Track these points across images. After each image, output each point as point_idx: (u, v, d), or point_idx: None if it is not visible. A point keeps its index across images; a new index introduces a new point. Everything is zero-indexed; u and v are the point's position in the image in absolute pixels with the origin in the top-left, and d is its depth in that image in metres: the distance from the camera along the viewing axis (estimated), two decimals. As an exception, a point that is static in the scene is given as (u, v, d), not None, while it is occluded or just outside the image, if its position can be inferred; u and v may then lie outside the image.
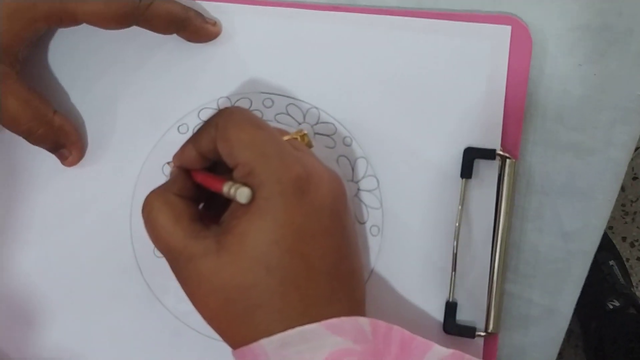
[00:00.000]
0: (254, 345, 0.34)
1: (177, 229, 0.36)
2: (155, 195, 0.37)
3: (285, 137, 0.39)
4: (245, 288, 0.34)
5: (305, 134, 0.40)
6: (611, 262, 1.19)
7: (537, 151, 0.45)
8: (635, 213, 1.31)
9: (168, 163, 0.39)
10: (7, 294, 0.45)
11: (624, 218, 1.32)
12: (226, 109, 0.37)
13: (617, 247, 1.31)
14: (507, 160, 0.43)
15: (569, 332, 1.26)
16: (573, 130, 0.44)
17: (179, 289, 0.44)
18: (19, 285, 0.45)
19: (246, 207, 0.35)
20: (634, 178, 1.30)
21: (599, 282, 1.17)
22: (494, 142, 0.44)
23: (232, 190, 0.35)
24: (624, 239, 1.31)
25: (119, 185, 0.46)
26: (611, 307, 1.14)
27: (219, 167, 0.38)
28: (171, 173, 0.39)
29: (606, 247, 1.21)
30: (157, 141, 0.46)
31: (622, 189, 1.29)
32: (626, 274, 1.20)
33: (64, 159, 0.45)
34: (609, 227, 1.31)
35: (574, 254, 0.44)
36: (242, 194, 0.34)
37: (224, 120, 0.36)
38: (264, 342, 0.34)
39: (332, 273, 0.36)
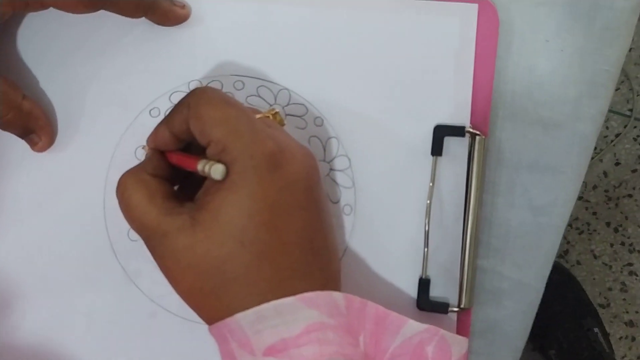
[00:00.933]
0: (229, 320, 0.34)
1: (150, 206, 0.36)
2: (129, 174, 0.38)
3: (258, 116, 0.39)
4: (219, 262, 0.35)
5: (277, 112, 0.40)
6: (596, 330, 1.19)
7: (506, 127, 0.45)
8: (618, 198, 1.32)
9: (143, 147, 0.40)
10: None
11: (607, 203, 1.33)
12: (198, 88, 0.37)
13: (601, 232, 1.32)
14: (477, 137, 0.44)
15: None
16: (541, 106, 0.45)
17: (154, 272, 0.44)
18: (-7, 271, 0.45)
19: (220, 183, 0.35)
20: (617, 164, 1.31)
21: (586, 349, 1.17)
22: (463, 119, 0.44)
23: (206, 168, 0.35)
24: (607, 224, 1.32)
25: (92, 169, 0.45)
26: None
27: (193, 149, 0.39)
28: (146, 155, 0.39)
29: (591, 313, 1.22)
30: (129, 125, 0.46)
31: (605, 174, 1.30)
32: (608, 341, 1.20)
33: (33, 145, 0.45)
34: (593, 213, 1.32)
35: (544, 227, 0.45)
36: (216, 171, 0.34)
37: (196, 99, 0.36)
38: (239, 316, 0.34)
39: (306, 247, 0.36)
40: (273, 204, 0.35)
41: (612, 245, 1.33)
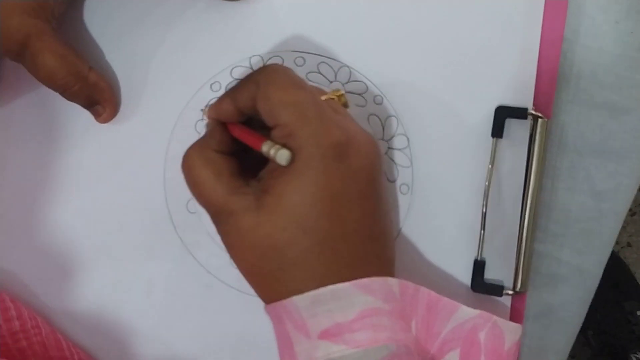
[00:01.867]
0: (286, 302, 0.35)
1: (218, 185, 0.37)
2: (195, 151, 0.38)
3: (323, 97, 0.39)
4: (280, 246, 0.35)
5: (342, 94, 0.40)
6: (639, 313, 1.16)
7: (570, 110, 0.44)
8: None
9: (202, 110, 0.40)
10: (44, 245, 0.46)
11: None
12: (268, 66, 0.37)
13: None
14: (539, 120, 0.43)
15: None
16: (608, 90, 0.44)
17: (211, 244, 0.45)
18: (56, 237, 0.46)
19: (285, 168, 0.35)
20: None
21: (624, 332, 1.15)
22: (526, 100, 0.43)
23: (272, 151, 0.35)
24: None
25: (153, 142, 0.46)
26: (635, 359, 1.13)
27: (253, 122, 0.39)
28: (207, 125, 0.40)
29: (635, 295, 1.19)
30: (190, 98, 0.46)
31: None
32: None
33: (98, 116, 0.45)
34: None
35: (605, 213, 0.44)
36: (282, 156, 0.35)
37: (266, 78, 0.36)
38: (296, 299, 0.35)
39: (366, 235, 0.36)
40: (336, 194, 0.35)
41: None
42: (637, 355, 1.13)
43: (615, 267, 1.22)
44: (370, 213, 0.37)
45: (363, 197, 0.36)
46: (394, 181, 0.45)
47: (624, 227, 1.28)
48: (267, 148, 0.35)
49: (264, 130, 0.37)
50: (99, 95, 0.45)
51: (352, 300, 0.35)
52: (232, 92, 0.38)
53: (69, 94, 0.43)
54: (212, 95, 0.46)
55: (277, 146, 0.35)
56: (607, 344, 1.16)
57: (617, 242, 1.29)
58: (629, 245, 1.29)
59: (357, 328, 0.34)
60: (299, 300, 0.35)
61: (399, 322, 0.36)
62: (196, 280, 0.46)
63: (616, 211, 0.44)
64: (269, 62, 0.45)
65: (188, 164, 0.38)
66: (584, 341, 1.23)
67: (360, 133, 0.37)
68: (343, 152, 0.35)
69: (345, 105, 0.40)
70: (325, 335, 0.34)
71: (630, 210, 1.27)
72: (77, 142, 0.47)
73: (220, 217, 0.37)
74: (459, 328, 0.39)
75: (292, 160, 0.35)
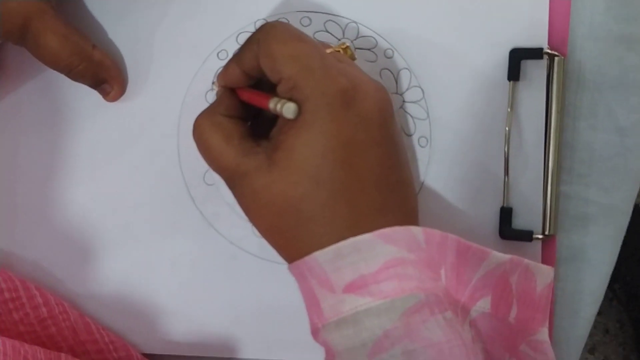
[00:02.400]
0: (308, 259, 0.34)
1: (228, 148, 0.36)
2: (204, 117, 0.38)
3: (328, 50, 0.39)
4: (296, 201, 0.34)
5: (347, 47, 0.40)
6: None
7: (586, 46, 0.43)
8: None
9: (213, 83, 0.39)
10: (65, 230, 0.46)
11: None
12: (267, 23, 0.37)
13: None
14: (556, 59, 0.42)
15: (618, 331, 1.24)
16: (624, 22, 0.43)
17: (231, 215, 0.44)
18: (75, 221, 0.46)
19: (293, 122, 0.35)
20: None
21: None
22: (540, 40, 0.42)
23: (278, 106, 0.35)
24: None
25: (164, 116, 0.46)
26: None
27: (264, 85, 0.38)
28: (217, 93, 0.39)
29: None
30: (198, 69, 0.45)
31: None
32: None
33: (105, 94, 0.45)
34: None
35: (631, 148, 0.43)
36: (288, 109, 0.34)
37: (266, 35, 0.36)
38: (317, 254, 0.34)
39: (382, 183, 0.36)
40: (347, 142, 0.34)
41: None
42: None
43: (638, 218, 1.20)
44: (385, 160, 0.36)
45: (376, 143, 0.36)
46: (411, 135, 0.44)
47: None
48: (274, 104, 0.35)
49: (274, 91, 0.36)
50: (105, 74, 0.44)
51: (375, 251, 0.34)
52: (236, 56, 0.38)
53: (75, 74, 0.43)
54: (219, 64, 0.45)
55: (283, 100, 0.34)
56: (634, 296, 1.15)
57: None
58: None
59: (382, 279, 0.34)
60: (320, 255, 0.34)
61: (426, 270, 0.35)
62: (220, 252, 0.45)
63: (641, 145, 0.43)
64: (275, 25, 0.44)
65: (198, 131, 0.38)
66: (611, 295, 1.22)
67: (367, 80, 0.37)
68: (350, 99, 0.34)
69: (352, 57, 0.40)
70: (350, 288, 0.34)
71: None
72: (87, 123, 0.46)
73: (234, 180, 0.37)
74: (490, 274, 0.38)
75: (299, 112, 0.34)
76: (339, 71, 0.35)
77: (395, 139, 0.37)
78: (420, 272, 0.35)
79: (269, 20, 0.45)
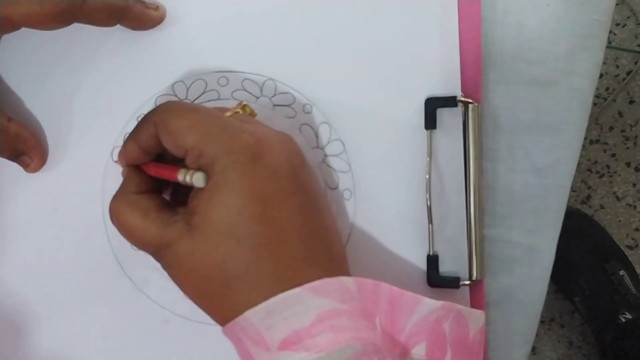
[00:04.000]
0: (239, 319, 0.34)
1: (147, 224, 0.37)
2: (117, 200, 0.38)
3: (227, 113, 0.39)
4: (219, 263, 0.35)
5: (245, 105, 0.40)
6: (622, 272, 1.16)
7: (499, 90, 0.44)
8: (636, 137, 1.29)
9: (115, 162, 0.40)
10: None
11: (625, 144, 1.30)
12: (161, 104, 0.37)
13: (622, 173, 1.29)
14: (470, 105, 0.43)
15: (581, 343, 1.27)
16: (533, 65, 0.43)
17: (161, 279, 0.44)
18: (2, 296, 0.45)
19: (205, 187, 0.35)
20: (631, 102, 1.28)
21: (609, 293, 1.15)
22: (454, 88, 0.43)
23: (187, 178, 0.35)
24: (628, 164, 1.30)
25: (87, 182, 0.45)
26: (624, 319, 1.13)
27: (166, 157, 0.39)
28: (122, 173, 0.40)
29: (615, 256, 1.19)
30: (119, 133, 0.45)
31: (620, 114, 1.27)
32: (638, 283, 1.17)
33: (26, 166, 0.44)
34: (612, 155, 1.29)
35: (549, 188, 0.44)
36: (198, 179, 0.35)
37: (161, 115, 0.36)
38: (248, 313, 0.34)
39: (302, 233, 0.36)
40: (260, 196, 0.35)
41: (634, 185, 1.30)
42: (625, 316, 1.14)
43: (592, 230, 1.22)
44: (302, 209, 0.36)
45: (289, 193, 0.36)
46: (335, 188, 0.44)
47: (594, 190, 1.29)
48: (182, 176, 0.35)
49: (178, 162, 0.37)
50: (22, 146, 0.43)
51: (307, 305, 0.34)
52: (133, 136, 0.38)
53: None
54: (140, 128, 0.45)
55: (191, 171, 0.35)
56: (594, 308, 1.17)
57: (590, 206, 1.30)
58: (601, 207, 1.30)
59: (316, 332, 0.34)
60: (252, 314, 0.34)
61: (361, 320, 0.35)
62: (152, 317, 0.45)
63: (560, 185, 0.44)
64: (192, 86, 0.45)
65: (115, 215, 0.38)
66: (572, 308, 1.23)
67: (271, 132, 0.37)
68: (256, 153, 0.35)
69: (252, 114, 0.40)
70: (286, 345, 0.34)
71: (597, 172, 1.27)
72: (8, 192, 0.45)
73: (160, 253, 0.37)
74: (423, 321, 0.38)
75: (208, 177, 0.35)
76: (240, 129, 0.36)
77: (309, 187, 0.38)
78: (355, 322, 0.35)
79: (186, 81, 0.45)
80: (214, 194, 0.35)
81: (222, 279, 0.35)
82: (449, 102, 0.43)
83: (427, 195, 0.43)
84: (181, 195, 0.40)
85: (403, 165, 0.44)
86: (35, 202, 0.45)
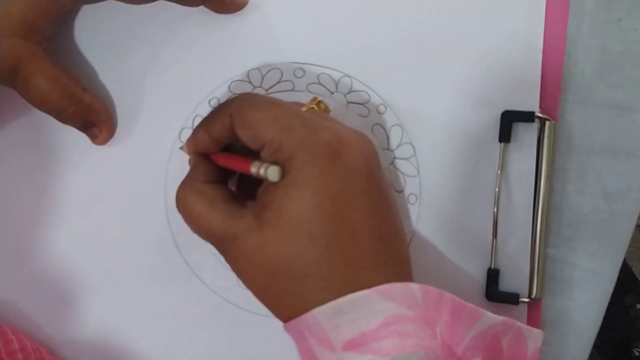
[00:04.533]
0: (306, 316, 0.34)
1: (214, 214, 0.36)
2: (184, 187, 0.38)
3: (302, 109, 0.39)
4: (290, 259, 0.34)
5: (320, 100, 0.40)
6: (638, 306, 1.16)
7: (577, 111, 0.43)
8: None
9: (181, 147, 0.40)
10: (46, 275, 0.45)
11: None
12: (237, 96, 0.37)
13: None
14: (547, 122, 0.42)
15: None
16: (614, 88, 0.43)
17: (217, 265, 0.44)
18: (58, 265, 0.45)
19: (280, 181, 0.35)
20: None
21: (625, 326, 1.14)
22: (532, 104, 0.43)
23: (261, 170, 0.35)
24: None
25: (153, 161, 0.45)
26: (637, 353, 1.12)
27: (234, 148, 0.39)
28: (190, 161, 0.40)
29: (634, 289, 1.19)
30: (188, 115, 0.45)
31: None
32: None
33: (94, 138, 0.44)
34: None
35: (617, 214, 0.43)
36: (272, 173, 0.34)
37: (238, 107, 0.36)
38: (316, 311, 0.34)
39: (375, 235, 0.36)
40: (336, 195, 0.34)
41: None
42: (638, 349, 1.13)
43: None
44: (376, 211, 0.36)
45: (365, 194, 0.35)
46: (401, 191, 0.44)
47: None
48: (256, 169, 0.35)
49: (247, 153, 0.37)
50: (94, 117, 0.43)
51: (375, 308, 0.34)
52: (205, 125, 0.38)
53: (64, 117, 0.42)
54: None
55: (266, 164, 0.34)
56: (609, 340, 1.16)
57: (614, 237, 1.29)
58: (625, 239, 1.29)
59: (382, 336, 0.33)
60: (319, 313, 0.34)
61: (425, 328, 0.35)
62: (203, 302, 0.45)
63: (628, 211, 0.43)
64: (267, 75, 0.44)
65: (182, 202, 0.38)
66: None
67: (350, 132, 0.37)
68: (336, 152, 0.35)
69: (327, 110, 0.40)
70: (351, 346, 0.33)
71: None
72: (74, 164, 0.45)
73: (224, 245, 0.36)
74: (482, 335, 0.38)
75: (285, 172, 0.34)
76: (321, 125, 0.35)
77: (383, 189, 0.37)
78: (420, 329, 0.35)
79: (262, 69, 0.44)
80: (291, 190, 0.34)
81: (292, 276, 0.34)
82: (526, 117, 0.42)
83: (495, 209, 0.43)
84: (246, 188, 0.40)
85: (472, 176, 0.43)
86: (100, 175, 0.45)
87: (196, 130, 0.39)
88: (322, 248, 0.34)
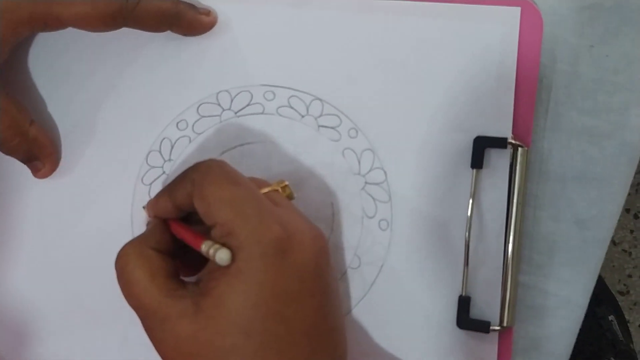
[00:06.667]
0: None
1: (152, 286, 0.34)
2: (131, 247, 0.36)
3: (265, 190, 0.37)
4: (223, 353, 0.33)
5: (286, 185, 0.39)
6: (611, 317, 1.16)
7: (549, 137, 0.43)
8: (638, 184, 1.30)
9: (143, 207, 0.38)
10: (6, 311, 0.44)
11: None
12: (203, 163, 0.36)
13: (621, 219, 1.29)
14: (519, 149, 0.42)
15: None
16: (586, 115, 0.43)
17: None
18: (15, 302, 0.44)
19: (225, 269, 0.33)
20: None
21: (597, 338, 1.15)
22: (505, 130, 0.42)
23: (211, 251, 0.33)
24: (627, 210, 1.30)
25: (120, 184, 0.44)
26: None
27: (195, 216, 0.37)
28: (148, 223, 0.38)
29: (606, 301, 1.19)
30: (156, 138, 0.44)
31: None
32: (626, 329, 1.18)
33: (36, 171, 0.43)
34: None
35: (589, 241, 0.43)
36: (221, 258, 0.33)
37: (201, 176, 0.35)
38: None
39: (312, 333, 0.35)
40: (281, 293, 0.33)
41: (632, 231, 1.31)
42: None
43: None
44: (317, 310, 0.35)
45: (310, 294, 0.35)
46: (372, 217, 0.43)
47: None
48: (207, 248, 0.33)
49: (204, 225, 0.35)
50: (37, 151, 0.42)
51: None
52: (168, 190, 0.37)
53: (7, 149, 0.41)
54: (177, 134, 0.44)
55: (217, 246, 0.33)
56: (580, 352, 1.16)
57: (587, 247, 1.30)
58: (598, 249, 1.30)
59: None
60: None
61: None
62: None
63: (600, 238, 0.43)
64: (237, 97, 0.43)
65: (122, 261, 0.36)
66: None
67: (304, 226, 0.36)
68: (285, 248, 0.33)
69: (290, 196, 0.39)
70: None
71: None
72: (35, 192, 0.44)
73: (153, 322, 0.34)
74: None
75: (233, 259, 0.33)
76: (275, 218, 0.34)
77: (330, 286, 0.36)
78: None
79: (231, 91, 0.43)
80: (234, 281, 0.33)
81: None
82: (499, 143, 0.42)
83: (467, 235, 0.42)
84: (191, 263, 0.38)
85: (444, 202, 0.43)
86: (65, 201, 0.44)
87: (159, 194, 0.38)
88: (258, 346, 0.33)
